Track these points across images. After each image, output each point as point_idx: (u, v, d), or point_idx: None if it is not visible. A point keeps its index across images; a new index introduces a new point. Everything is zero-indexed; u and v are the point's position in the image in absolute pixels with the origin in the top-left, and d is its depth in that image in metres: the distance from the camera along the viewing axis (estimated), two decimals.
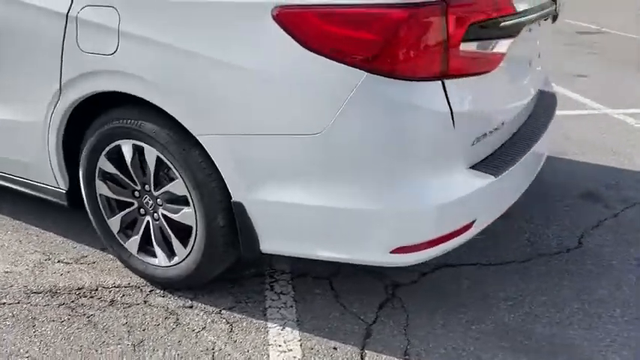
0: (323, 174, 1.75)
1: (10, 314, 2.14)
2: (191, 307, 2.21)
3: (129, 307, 2.20)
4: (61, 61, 2.08)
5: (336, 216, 1.79)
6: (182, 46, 1.81)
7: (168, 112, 1.91)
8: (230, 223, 2.00)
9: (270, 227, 1.93)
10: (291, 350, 1.98)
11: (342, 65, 1.61)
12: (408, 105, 1.64)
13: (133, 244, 2.28)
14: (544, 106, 2.62)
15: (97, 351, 1.96)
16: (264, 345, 2.00)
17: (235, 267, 2.27)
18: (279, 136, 1.75)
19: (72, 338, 2.03)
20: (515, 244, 2.67)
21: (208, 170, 1.93)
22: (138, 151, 2.09)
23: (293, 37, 1.65)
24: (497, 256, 2.57)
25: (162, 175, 2.09)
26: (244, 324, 2.11)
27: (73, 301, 2.23)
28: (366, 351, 1.98)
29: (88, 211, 2.34)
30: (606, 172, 3.48)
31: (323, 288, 2.32)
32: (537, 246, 2.66)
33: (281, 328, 2.09)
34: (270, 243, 1.97)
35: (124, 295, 2.27)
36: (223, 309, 2.19)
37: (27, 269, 2.43)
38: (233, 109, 1.80)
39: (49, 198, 2.46)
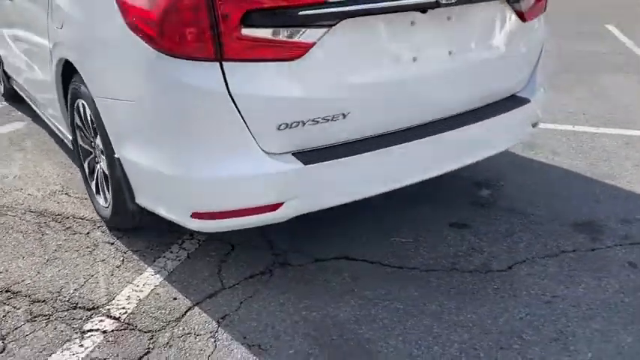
0: (146, 138, 2.01)
1: (1, 222, 2.87)
2: (112, 243, 2.65)
3: (74, 234, 2.74)
4: (48, 33, 2.69)
5: (157, 177, 2.04)
6: (79, 20, 2.25)
7: (83, 77, 2.37)
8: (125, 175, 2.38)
9: (135, 183, 2.26)
10: (141, 291, 2.29)
11: (142, 42, 1.85)
12: (185, 84, 1.80)
13: (93, 186, 2.82)
14: (491, 107, 2.40)
15: (22, 257, 2.54)
16: (128, 282, 2.35)
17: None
18: (120, 102, 2.07)
19: (16, 243, 2.65)
20: (439, 253, 2.51)
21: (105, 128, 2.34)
22: (84, 109, 2.60)
23: (121, 14, 1.94)
24: (406, 259, 2.46)
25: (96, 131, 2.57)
26: (132, 264, 2.48)
27: (45, 222, 2.86)
28: (194, 309, 2.18)
29: (76, 155, 2.95)
30: (614, 203, 2.92)
31: (219, 253, 2.54)
32: (460, 259, 2.46)
33: (153, 273, 2.41)
34: (139, 197, 2.29)
35: (79, 225, 2.82)
36: (132, 250, 2.58)
37: (42, 195, 3.15)
38: (100, 76, 2.18)
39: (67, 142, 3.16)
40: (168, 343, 2.00)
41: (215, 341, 2.00)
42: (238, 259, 2.50)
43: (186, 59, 1.78)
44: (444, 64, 2.21)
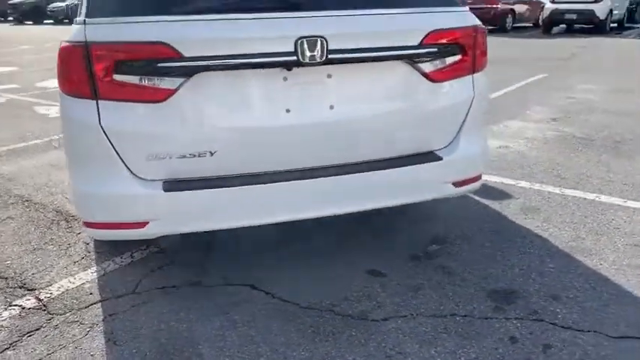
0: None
1: (30, 215, 3.62)
2: (87, 243, 3.22)
3: (69, 232, 3.36)
4: None
5: (69, 188, 2.53)
6: None
7: None
8: None
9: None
10: (73, 283, 2.79)
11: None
12: (72, 117, 2.26)
13: None
14: (392, 160, 2.51)
15: (20, 244, 3.22)
16: (71, 274, 2.86)
17: None
18: None
19: (26, 233, 3.35)
20: (329, 294, 2.62)
21: None
22: None
23: None
24: (297, 294, 2.61)
25: None
26: (86, 262, 3.00)
27: (58, 220, 3.54)
28: (97, 304, 2.61)
29: None
30: (559, 278, 2.68)
31: (155, 264, 2.95)
32: (344, 303, 2.54)
33: (94, 271, 2.89)
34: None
35: (80, 226, 3.45)
36: (97, 251, 3.11)
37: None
38: None
39: None
40: (56, 325, 2.44)
41: (89, 330, 2.40)
42: (165, 272, 2.87)
43: (74, 97, 2.24)
44: (324, 118, 2.38)
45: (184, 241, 3.18)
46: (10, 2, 28.72)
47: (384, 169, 2.48)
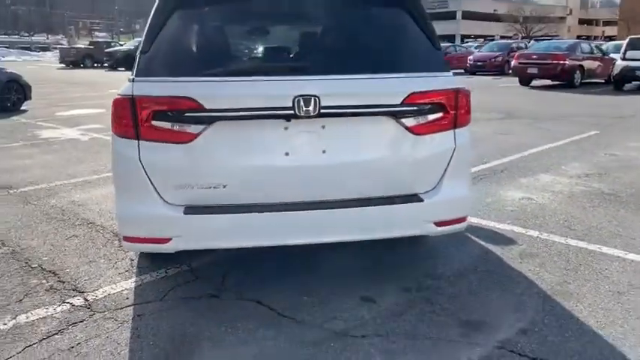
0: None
1: (90, 230, 4.30)
2: (132, 260, 3.82)
3: (120, 248, 4.00)
4: None
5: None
6: None
7: None
8: None
9: None
10: (115, 289, 3.37)
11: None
12: (119, 152, 2.89)
13: None
14: (377, 199, 2.95)
15: (78, 253, 3.88)
16: (115, 282, 3.46)
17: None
18: None
19: (83, 242, 4.01)
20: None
21: None
22: None
23: None
24: (299, 311, 3.05)
25: None
26: (129, 273, 3.59)
27: (113, 237, 4.20)
28: (130, 307, 3.17)
29: None
30: (536, 314, 2.95)
31: (181, 279, 3.50)
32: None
33: (134, 281, 3.48)
34: None
35: None
36: (140, 266, 3.71)
37: None
38: None
39: None
40: (95, 320, 3.01)
41: (119, 326, 2.94)
42: (190, 286, 3.41)
43: (122, 137, 2.87)
44: (317, 160, 2.86)
45: (211, 261, 3.71)
46: (106, 51, 33.22)
47: (370, 205, 2.92)
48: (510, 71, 20.43)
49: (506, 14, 61.57)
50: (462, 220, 3.17)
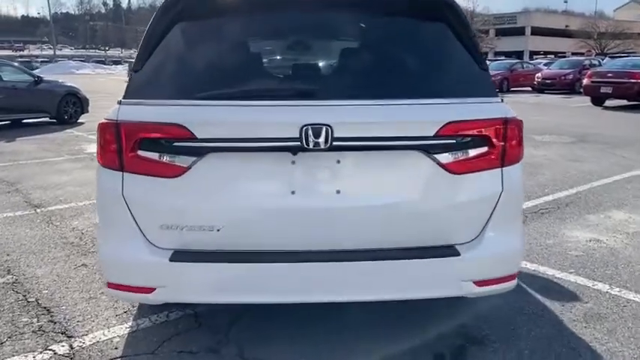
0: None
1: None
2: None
3: None
4: None
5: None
6: None
7: None
8: None
9: None
10: (106, 336, 2.99)
11: None
12: (102, 184, 2.48)
13: None
14: (402, 251, 2.43)
15: (79, 288, 3.54)
16: (107, 327, 3.08)
17: None
18: None
19: (83, 278, 3.67)
20: None
21: None
22: None
23: None
24: None
25: None
26: (126, 316, 3.20)
27: None
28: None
29: None
30: None
31: (182, 328, 3.07)
32: None
33: (127, 327, 3.08)
34: None
35: None
36: (137, 308, 3.33)
37: None
38: None
39: None
40: None
41: None
42: (190, 336, 2.98)
43: (105, 168, 2.47)
44: (330, 202, 2.37)
45: (220, 305, 3.27)
46: None
47: (391, 259, 2.39)
48: (582, 90, 19.15)
49: (579, 30, 58.65)
50: (510, 278, 2.58)
